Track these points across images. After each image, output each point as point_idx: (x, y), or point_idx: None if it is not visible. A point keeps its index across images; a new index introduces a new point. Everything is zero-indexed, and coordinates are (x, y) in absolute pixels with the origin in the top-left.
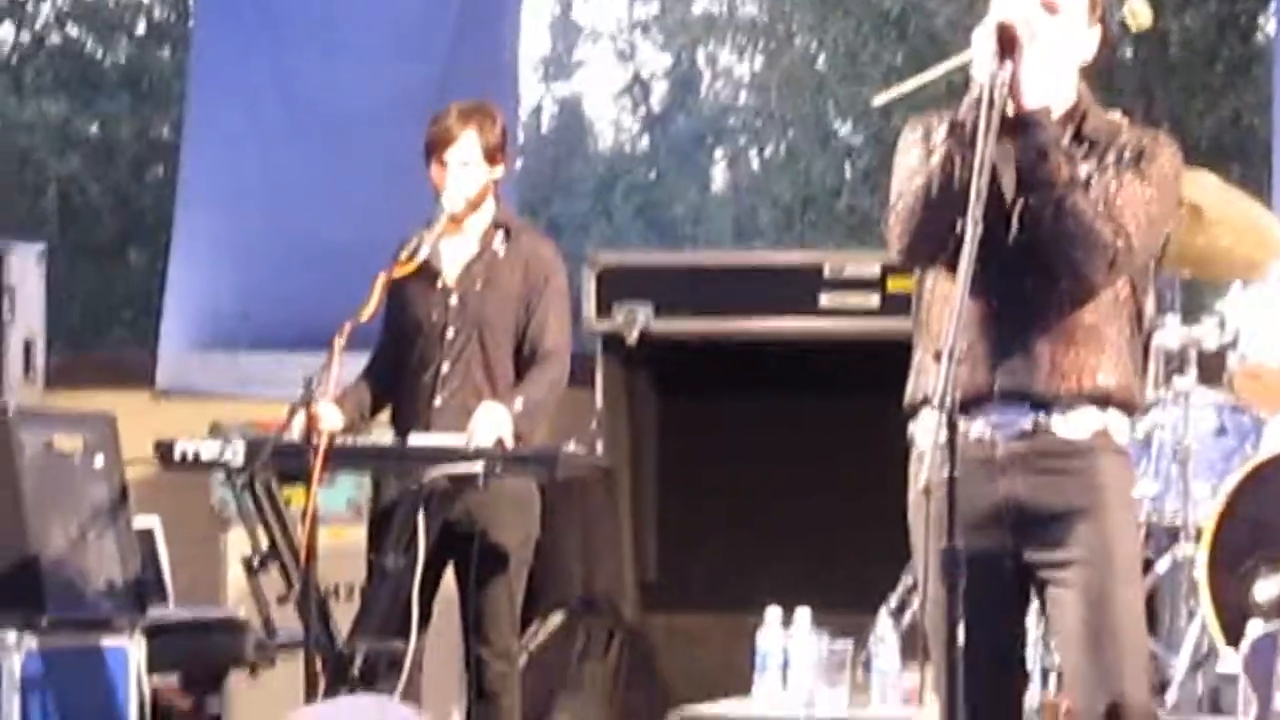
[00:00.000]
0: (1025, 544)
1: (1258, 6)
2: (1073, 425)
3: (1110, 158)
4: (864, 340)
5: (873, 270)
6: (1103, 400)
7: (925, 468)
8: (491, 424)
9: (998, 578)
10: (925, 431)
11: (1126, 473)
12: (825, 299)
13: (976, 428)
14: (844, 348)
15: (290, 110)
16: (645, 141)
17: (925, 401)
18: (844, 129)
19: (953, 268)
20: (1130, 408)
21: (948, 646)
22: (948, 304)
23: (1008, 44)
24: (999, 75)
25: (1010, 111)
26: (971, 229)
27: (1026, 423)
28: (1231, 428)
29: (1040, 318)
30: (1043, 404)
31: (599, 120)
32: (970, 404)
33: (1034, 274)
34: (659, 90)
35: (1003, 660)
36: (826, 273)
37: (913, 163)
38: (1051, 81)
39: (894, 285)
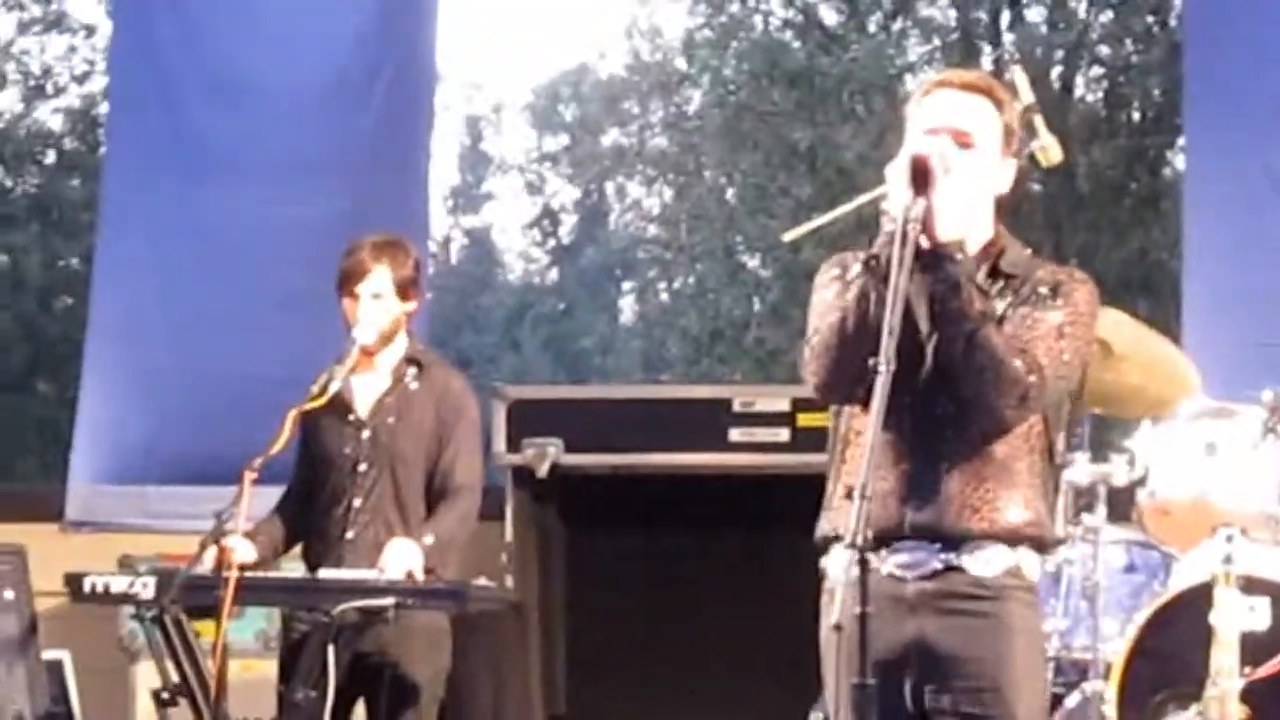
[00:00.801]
0: (932, 682)
1: (1166, 142)
2: (983, 563)
3: (1026, 293)
4: (773, 475)
5: (782, 404)
6: (1013, 538)
7: (837, 605)
8: (402, 559)
9: (906, 714)
10: (837, 567)
11: (1035, 614)
12: (735, 433)
13: (888, 565)
14: (753, 482)
15: (200, 243)
16: (554, 273)
17: (837, 538)
18: (753, 262)
19: (868, 404)
20: (1041, 545)
21: None
22: (861, 440)
23: (921, 178)
24: (912, 209)
25: (924, 245)
26: (884, 366)
27: (937, 562)
28: (1141, 564)
29: (953, 454)
30: (953, 542)
31: (508, 252)
32: (881, 541)
33: (947, 410)
34: (568, 222)
35: None
36: (736, 407)
37: (829, 299)
38: (965, 215)
39: (804, 420)
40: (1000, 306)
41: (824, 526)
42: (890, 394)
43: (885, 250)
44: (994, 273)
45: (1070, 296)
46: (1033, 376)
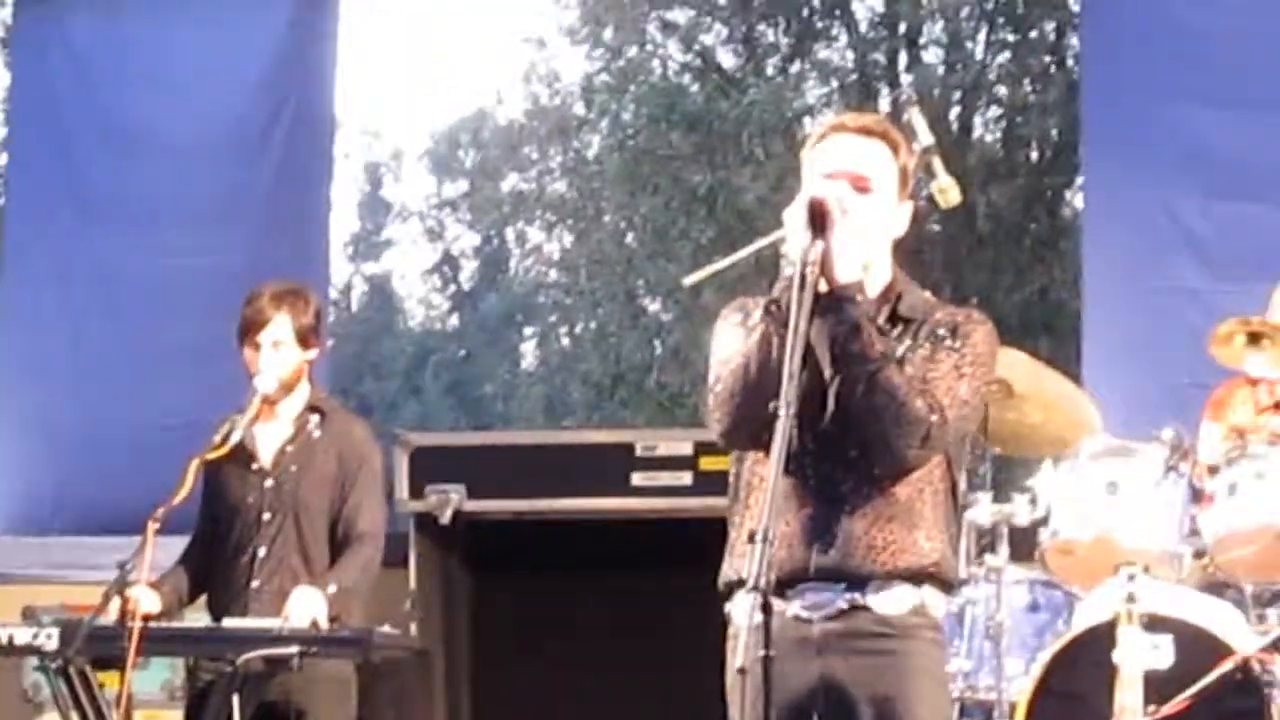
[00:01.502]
0: None
1: (1064, 181)
2: (888, 602)
3: (924, 335)
4: (678, 518)
5: (685, 449)
6: (918, 578)
7: (740, 649)
8: (307, 607)
9: None
10: (741, 611)
11: (941, 652)
12: (637, 478)
13: (793, 607)
14: (657, 525)
15: (101, 291)
16: (455, 320)
17: (740, 582)
18: (654, 306)
19: (769, 448)
20: (946, 583)
21: None
22: (764, 484)
23: (819, 221)
24: (811, 252)
25: (824, 289)
26: (784, 409)
27: (842, 602)
28: (1044, 603)
29: (856, 496)
30: (858, 582)
31: (408, 299)
32: (787, 583)
33: (850, 453)
34: (469, 268)
35: None
36: (638, 451)
37: (731, 344)
38: (862, 257)
39: (706, 463)
40: (900, 349)
41: (727, 572)
42: (793, 438)
43: (785, 294)
44: (893, 317)
45: (969, 337)
46: (934, 416)
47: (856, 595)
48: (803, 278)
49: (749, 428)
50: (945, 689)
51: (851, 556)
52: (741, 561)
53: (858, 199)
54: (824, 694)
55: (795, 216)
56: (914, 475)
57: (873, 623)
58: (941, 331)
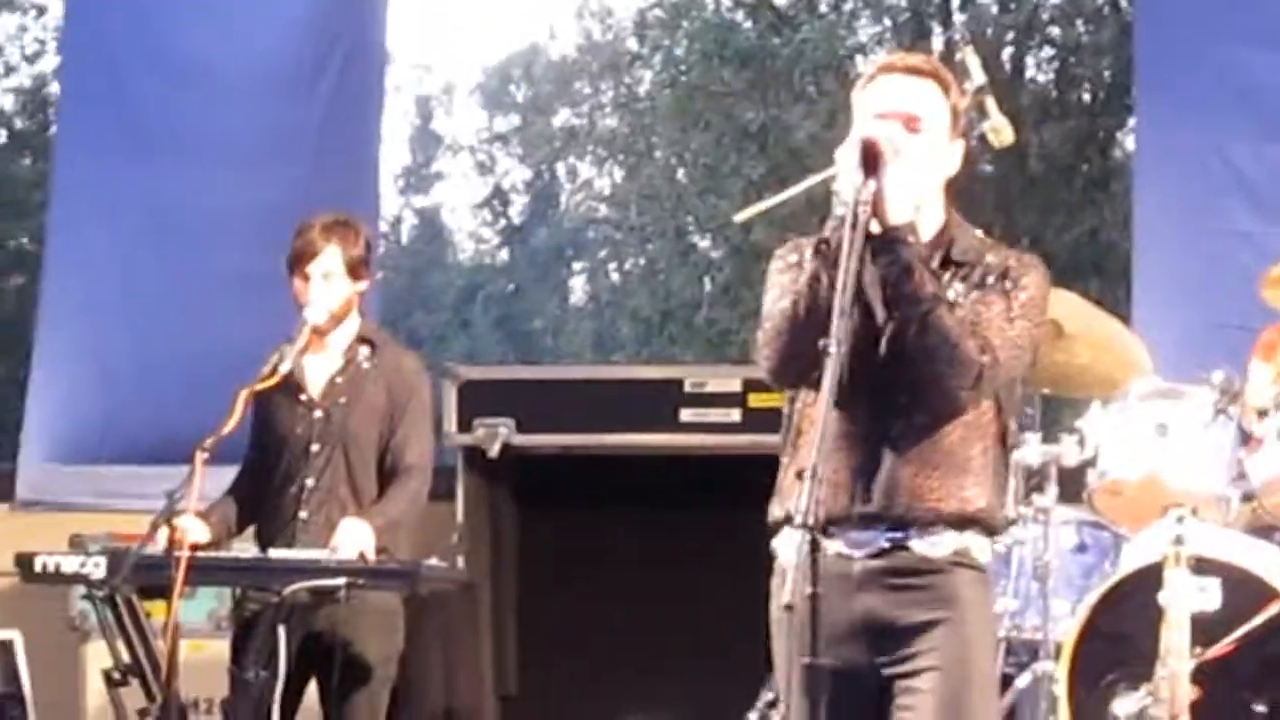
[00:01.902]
0: (883, 657)
1: (1116, 123)
2: (931, 545)
3: (977, 278)
4: (725, 455)
5: (734, 385)
6: (963, 523)
7: (788, 585)
8: (355, 539)
9: (859, 691)
10: (788, 548)
11: (984, 589)
12: (686, 414)
13: (836, 545)
14: (705, 462)
15: (152, 223)
16: (505, 254)
17: (788, 519)
18: (704, 243)
19: (819, 386)
20: (992, 529)
21: None
22: (814, 424)
23: (871, 161)
24: (863, 192)
25: (876, 229)
26: (835, 348)
27: (884, 540)
28: (1091, 544)
29: (903, 442)
30: (901, 526)
31: (458, 232)
32: (831, 524)
33: (901, 398)
34: (518, 203)
35: None
36: (687, 387)
37: (783, 284)
38: (915, 198)
39: (755, 401)
40: (952, 293)
41: (775, 509)
42: (845, 382)
43: (836, 234)
44: (945, 260)
45: (1021, 280)
46: (986, 357)
47: (898, 535)
48: (855, 217)
49: (797, 365)
50: (990, 621)
51: (895, 503)
52: (790, 499)
53: (909, 139)
54: (867, 627)
55: (847, 156)
56: (963, 420)
57: (914, 561)
58: (994, 275)
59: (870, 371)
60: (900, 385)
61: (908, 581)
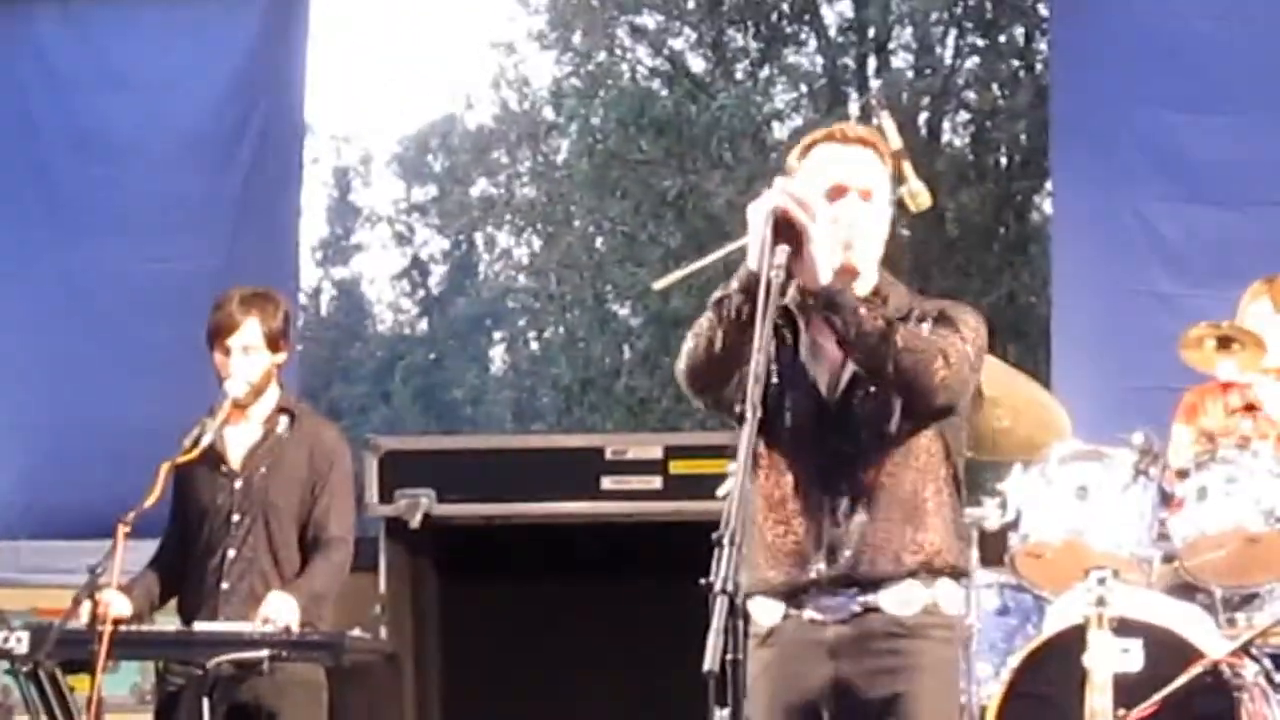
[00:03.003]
0: None
1: (1033, 186)
2: (900, 603)
3: (913, 323)
4: (647, 522)
5: (655, 452)
6: (930, 573)
7: (708, 650)
8: (281, 611)
9: None
10: (762, 612)
11: (951, 650)
12: (607, 481)
13: (807, 611)
14: (627, 530)
15: (71, 294)
16: (424, 324)
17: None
18: (623, 311)
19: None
20: (958, 574)
21: None
22: (768, 492)
23: (785, 229)
24: (777, 255)
25: (813, 292)
26: (751, 413)
27: (856, 605)
28: (1014, 607)
29: (859, 496)
30: (870, 585)
31: (377, 303)
32: (801, 590)
33: (848, 448)
34: (437, 273)
35: None
36: (608, 455)
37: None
38: (861, 261)
39: (676, 467)
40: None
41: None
42: (796, 450)
43: (736, 296)
44: None
45: (960, 315)
46: (942, 356)
47: (870, 598)
48: (768, 282)
49: (704, 397)
50: (953, 687)
51: (861, 563)
52: (751, 568)
53: (864, 209)
54: (834, 694)
55: (759, 225)
56: (914, 467)
57: (885, 624)
58: (931, 319)
59: (819, 438)
60: (851, 448)
61: (878, 647)
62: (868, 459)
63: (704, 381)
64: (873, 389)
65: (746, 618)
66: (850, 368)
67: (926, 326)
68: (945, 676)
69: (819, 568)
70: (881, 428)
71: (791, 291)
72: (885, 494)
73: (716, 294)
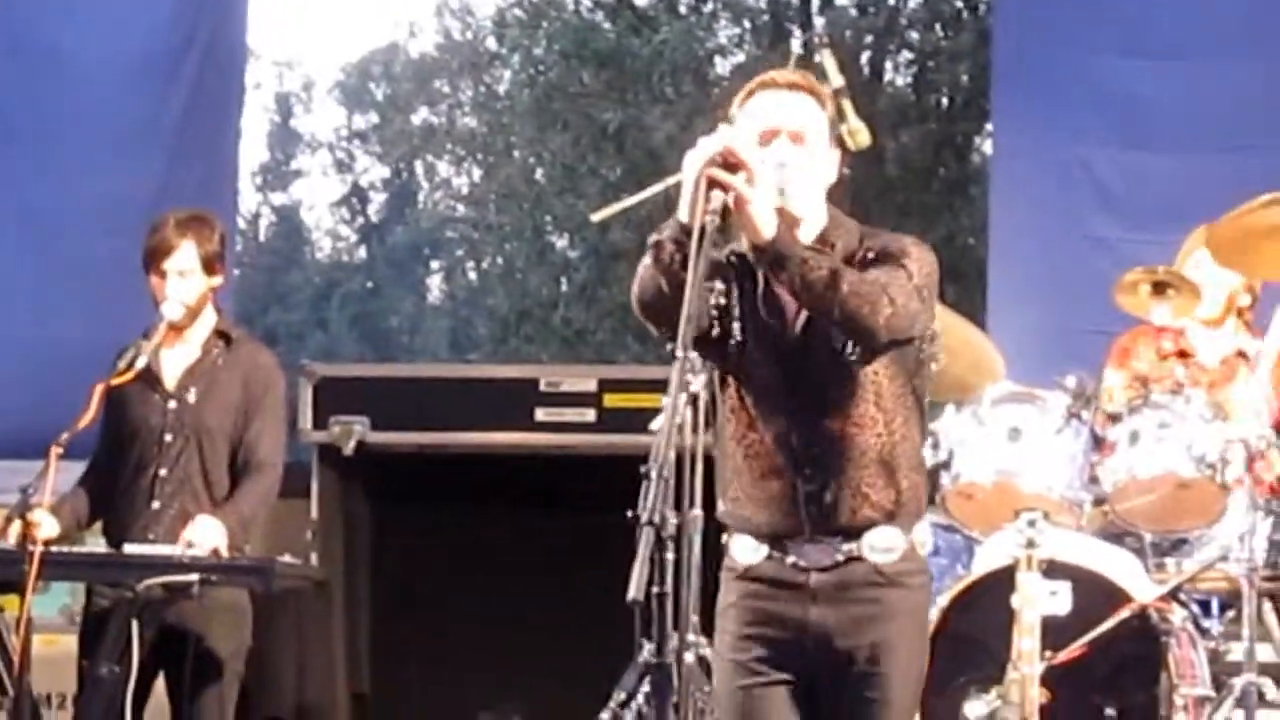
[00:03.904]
0: (818, 669)
1: (974, 128)
2: (882, 550)
3: (860, 263)
4: (580, 454)
5: (589, 385)
6: (907, 516)
7: (633, 578)
8: (208, 535)
9: (796, 697)
10: (740, 549)
11: (925, 595)
12: (541, 413)
13: (791, 557)
14: (560, 462)
15: (10, 214)
16: (362, 252)
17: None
18: (561, 243)
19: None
20: (923, 512)
21: None
22: (750, 443)
23: (721, 180)
24: (711, 202)
25: (758, 247)
26: (681, 352)
27: (839, 555)
28: (944, 547)
29: (834, 453)
30: (851, 534)
31: (316, 230)
32: (785, 537)
33: (826, 410)
34: (377, 201)
35: None
36: (543, 387)
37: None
38: (800, 207)
39: (610, 401)
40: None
41: (719, 511)
42: (769, 401)
43: (669, 238)
44: None
45: (907, 250)
46: (889, 292)
47: (852, 546)
48: (701, 227)
49: (661, 325)
50: (925, 632)
51: (841, 513)
52: (733, 503)
53: (795, 152)
54: (809, 637)
55: (693, 177)
56: (885, 415)
57: (866, 573)
58: (876, 255)
59: (789, 391)
60: (820, 398)
61: (859, 595)
62: (838, 406)
63: (655, 316)
64: (831, 334)
65: (711, 552)
66: (805, 315)
67: (875, 264)
68: (919, 622)
69: (803, 517)
70: (844, 373)
71: (745, 242)
72: (860, 441)
73: (653, 237)
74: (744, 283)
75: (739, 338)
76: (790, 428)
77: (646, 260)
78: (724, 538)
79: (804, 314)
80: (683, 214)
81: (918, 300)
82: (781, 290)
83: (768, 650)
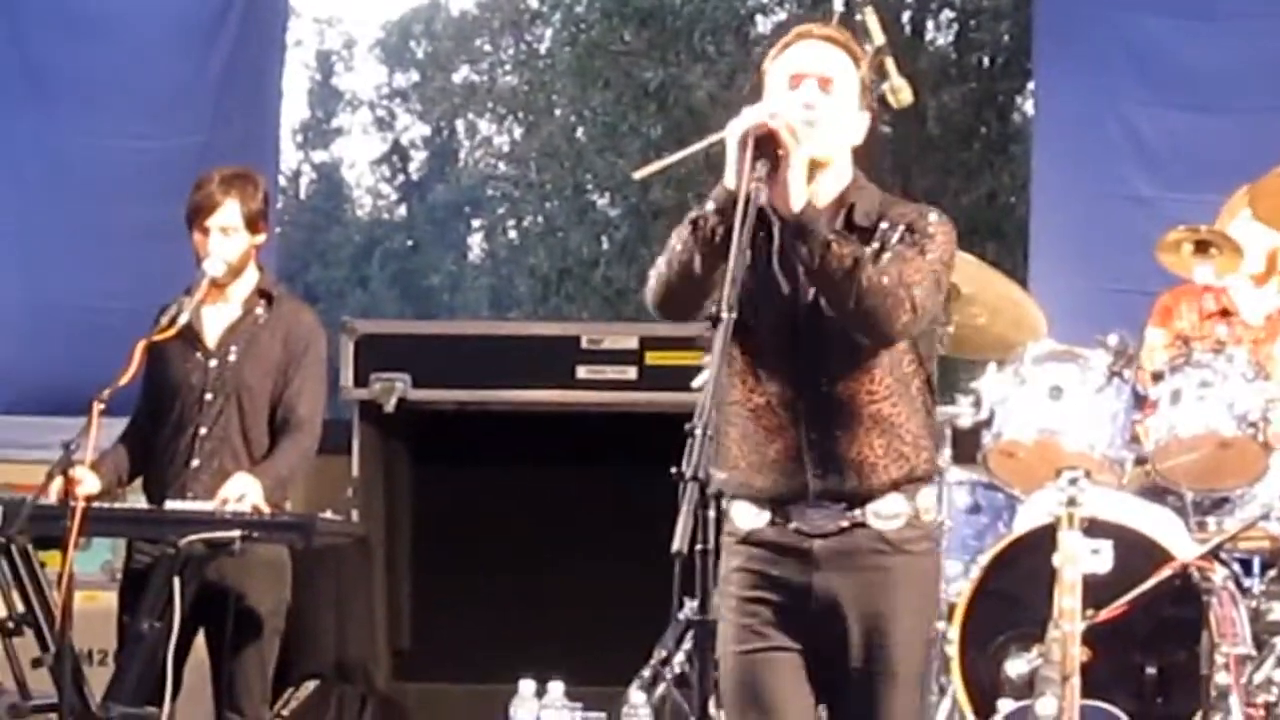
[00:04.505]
0: (822, 637)
1: (1015, 87)
2: (885, 518)
3: (878, 239)
4: (621, 412)
5: (630, 342)
6: (911, 483)
7: (677, 533)
8: (246, 492)
9: (792, 665)
10: (740, 515)
11: (932, 561)
12: (582, 371)
13: (795, 522)
14: (601, 419)
15: (52, 174)
16: (403, 210)
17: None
18: (602, 201)
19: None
20: (933, 475)
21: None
22: (754, 404)
23: (767, 145)
24: (757, 170)
25: (782, 215)
26: (726, 313)
27: (843, 520)
28: (985, 505)
29: (840, 417)
30: (855, 501)
31: (357, 188)
32: (788, 502)
33: (833, 373)
34: (417, 159)
35: None
36: (584, 344)
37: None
38: (822, 156)
39: (652, 358)
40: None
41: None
42: (770, 360)
43: (712, 216)
44: (848, 225)
45: (928, 230)
46: (909, 300)
47: (856, 513)
48: (747, 195)
49: (676, 313)
50: (933, 599)
51: (846, 478)
52: (733, 471)
53: (822, 97)
54: (817, 601)
55: (739, 140)
56: (889, 381)
57: (870, 539)
58: (898, 233)
59: (794, 355)
60: (825, 364)
61: (863, 562)
62: (843, 370)
63: (677, 303)
64: None
65: (721, 513)
66: None
67: (896, 241)
68: (924, 590)
69: (806, 481)
70: (853, 341)
71: (765, 196)
72: (865, 406)
73: (692, 214)
74: (758, 236)
75: (747, 294)
76: (796, 389)
77: (672, 247)
78: (723, 504)
79: None
80: (729, 180)
81: (935, 291)
82: (787, 278)
83: (772, 615)
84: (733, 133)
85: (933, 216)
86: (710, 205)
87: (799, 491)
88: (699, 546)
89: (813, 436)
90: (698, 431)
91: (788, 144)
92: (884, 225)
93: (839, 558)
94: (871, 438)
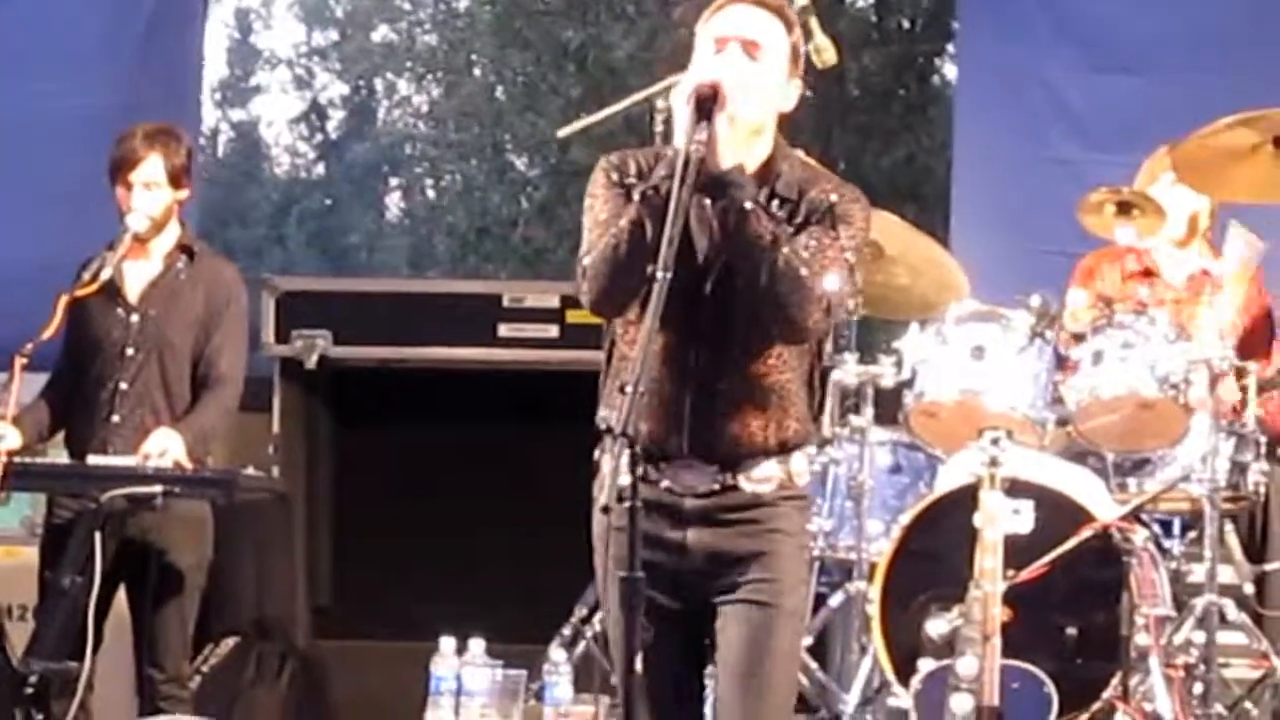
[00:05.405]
0: (704, 582)
1: (935, 49)
2: (757, 481)
3: (802, 215)
4: (542, 370)
5: (552, 301)
6: (786, 450)
7: (605, 490)
8: (165, 447)
9: (671, 611)
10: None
11: (802, 516)
12: (504, 329)
13: (665, 480)
14: (522, 377)
15: None
16: (321, 168)
17: (610, 430)
18: (521, 161)
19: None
20: (808, 440)
21: (626, 673)
22: (635, 341)
23: (707, 104)
24: (697, 132)
25: (709, 170)
26: (662, 273)
27: (714, 482)
28: (906, 465)
29: (730, 381)
30: (729, 464)
31: (275, 146)
32: (660, 458)
33: (725, 337)
34: (336, 118)
35: (678, 689)
36: (506, 302)
37: (602, 218)
38: (750, 126)
39: (573, 316)
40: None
41: (598, 419)
42: (677, 316)
43: (665, 183)
44: (771, 196)
45: (846, 215)
46: (826, 291)
47: (727, 476)
48: (687, 156)
49: (616, 302)
50: (804, 548)
51: (723, 439)
52: (611, 412)
53: (748, 63)
54: (694, 556)
55: (683, 100)
56: (787, 355)
57: (742, 499)
58: (818, 213)
59: (694, 312)
60: (725, 325)
61: (736, 516)
62: (736, 338)
63: (619, 290)
64: None
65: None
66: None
67: (815, 219)
68: (799, 542)
69: (681, 440)
70: (750, 308)
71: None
72: (751, 375)
73: (641, 187)
74: (655, 218)
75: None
76: (687, 343)
77: (616, 233)
78: (595, 454)
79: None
80: (677, 141)
81: (849, 278)
82: (697, 234)
83: (651, 573)
84: (678, 94)
85: (852, 200)
86: (662, 172)
87: (674, 448)
88: (625, 503)
89: (695, 393)
90: (629, 388)
91: (723, 97)
92: (805, 203)
93: (711, 513)
94: (757, 405)
